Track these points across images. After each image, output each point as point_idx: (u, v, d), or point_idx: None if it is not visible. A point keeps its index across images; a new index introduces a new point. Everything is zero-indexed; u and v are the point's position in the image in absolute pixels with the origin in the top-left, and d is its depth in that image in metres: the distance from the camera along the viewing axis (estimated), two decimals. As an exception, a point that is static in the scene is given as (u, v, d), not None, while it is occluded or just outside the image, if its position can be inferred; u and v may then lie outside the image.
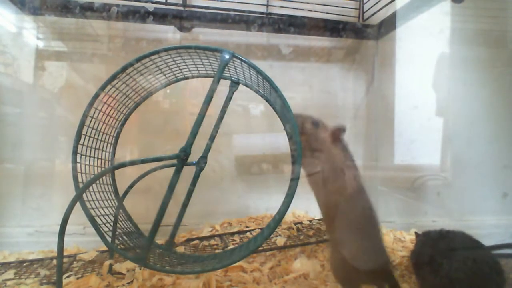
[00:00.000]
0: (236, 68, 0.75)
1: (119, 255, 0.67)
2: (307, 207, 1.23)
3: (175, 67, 0.79)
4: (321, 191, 0.73)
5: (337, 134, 0.73)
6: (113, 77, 0.71)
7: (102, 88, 0.72)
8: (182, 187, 1.19)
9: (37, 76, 1.14)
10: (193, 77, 0.85)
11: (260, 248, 0.87)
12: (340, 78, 1.33)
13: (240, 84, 0.81)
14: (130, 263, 0.82)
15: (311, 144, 0.73)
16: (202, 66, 0.80)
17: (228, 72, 0.79)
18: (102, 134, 0.79)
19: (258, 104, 1.23)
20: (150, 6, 1.08)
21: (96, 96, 0.72)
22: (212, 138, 0.77)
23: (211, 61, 0.76)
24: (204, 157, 0.74)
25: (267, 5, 1.20)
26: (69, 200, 0.65)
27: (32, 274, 0.83)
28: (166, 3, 1.11)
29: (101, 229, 0.68)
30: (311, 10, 1.18)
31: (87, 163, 0.75)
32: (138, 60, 0.69)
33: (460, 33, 1.21)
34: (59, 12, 1.05)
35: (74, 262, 0.91)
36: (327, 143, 0.73)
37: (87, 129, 0.73)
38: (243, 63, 0.67)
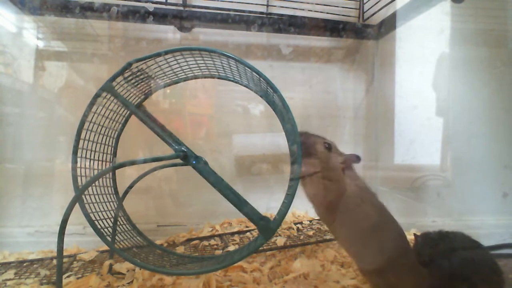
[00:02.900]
0: (237, 68, 0.75)
1: (119, 255, 0.67)
2: (307, 207, 1.23)
3: (175, 69, 0.79)
4: (326, 219, 0.70)
5: (350, 162, 0.68)
6: (114, 77, 0.70)
7: (103, 88, 0.72)
8: (182, 188, 1.20)
9: (37, 76, 1.14)
10: (195, 77, 0.84)
11: (260, 248, 0.87)
12: (340, 78, 1.33)
13: (240, 84, 0.81)
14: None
15: (320, 167, 0.67)
16: (205, 66, 0.80)
17: (230, 73, 0.79)
18: (103, 134, 0.79)
19: (258, 104, 1.23)
20: (150, 6, 1.08)
21: (96, 96, 0.72)
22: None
23: (215, 61, 0.76)
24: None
25: (267, 5, 1.20)
26: (69, 200, 0.65)
27: (32, 274, 0.83)
28: (166, 3, 1.11)
29: (100, 229, 0.68)
30: (311, 10, 1.19)
31: (87, 163, 0.75)
32: (138, 61, 0.69)
33: (460, 33, 1.21)
34: (59, 12, 1.06)
35: (74, 262, 0.91)
36: (338, 171, 0.67)
37: (88, 129, 0.73)
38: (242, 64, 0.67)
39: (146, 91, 0.83)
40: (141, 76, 0.75)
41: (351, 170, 0.69)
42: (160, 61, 0.73)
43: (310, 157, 0.67)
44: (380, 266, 0.66)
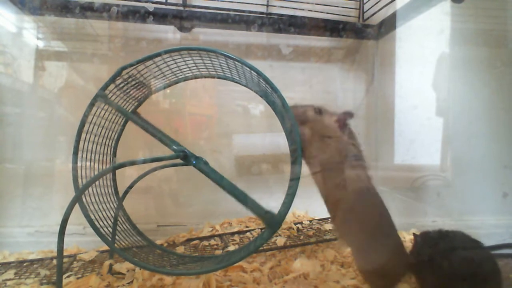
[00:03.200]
0: (235, 68, 0.75)
1: (119, 255, 0.67)
2: (307, 207, 1.23)
3: (175, 69, 0.79)
4: (328, 182, 0.69)
5: (344, 119, 0.69)
6: (106, 86, 0.70)
7: (103, 88, 0.72)
8: (182, 188, 1.20)
9: (37, 76, 1.14)
10: (195, 77, 0.84)
11: (260, 248, 0.87)
12: (340, 78, 1.33)
13: (240, 84, 0.81)
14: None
15: (316, 131, 0.69)
16: (204, 66, 0.80)
17: (229, 73, 0.79)
18: (103, 134, 0.79)
19: (258, 104, 1.23)
20: (150, 6, 1.08)
21: (97, 96, 0.72)
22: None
23: (213, 61, 0.76)
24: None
25: (267, 5, 1.20)
26: (69, 200, 0.65)
27: (32, 274, 0.83)
28: (166, 3, 1.11)
29: (99, 229, 0.68)
30: (311, 10, 1.19)
31: (87, 163, 0.75)
32: (139, 61, 0.69)
33: (460, 33, 1.21)
34: (59, 12, 1.06)
35: (74, 262, 0.91)
36: (334, 129, 0.68)
37: (88, 129, 0.73)
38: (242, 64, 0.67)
39: (140, 97, 0.83)
40: (133, 82, 0.75)
41: (348, 128, 0.70)
42: (159, 61, 0.73)
43: (304, 124, 0.68)
44: (364, 237, 0.68)
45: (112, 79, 0.69)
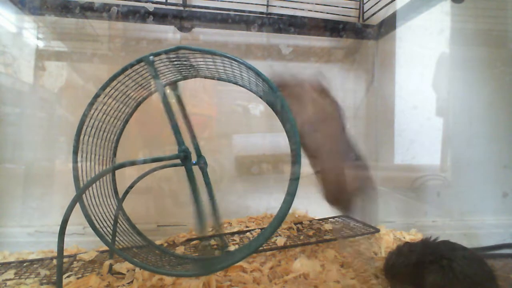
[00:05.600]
0: (239, 69, 0.75)
1: (119, 255, 0.67)
2: (307, 207, 1.23)
3: (176, 68, 0.79)
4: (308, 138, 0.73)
5: (318, 82, 0.75)
6: (114, 77, 0.70)
7: (103, 88, 0.72)
8: (182, 188, 1.20)
9: (37, 76, 1.14)
10: (194, 77, 0.84)
11: (260, 248, 0.87)
12: (340, 78, 1.33)
13: (239, 86, 0.81)
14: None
15: (293, 96, 0.74)
16: (204, 67, 0.80)
17: (232, 74, 0.79)
18: (103, 134, 0.79)
19: (258, 104, 1.23)
20: (150, 6, 1.08)
21: (96, 96, 0.72)
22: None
23: (216, 62, 0.76)
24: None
25: (267, 5, 1.20)
26: (69, 200, 0.65)
27: (32, 274, 0.83)
28: (166, 3, 1.11)
29: (99, 229, 0.68)
30: (311, 10, 1.19)
31: (88, 163, 0.75)
32: (186, 49, 0.69)
33: (460, 33, 1.21)
34: (59, 12, 1.06)
35: (74, 262, 0.91)
36: (310, 92, 0.75)
37: (88, 129, 0.73)
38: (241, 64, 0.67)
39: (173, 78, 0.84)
40: (185, 62, 0.76)
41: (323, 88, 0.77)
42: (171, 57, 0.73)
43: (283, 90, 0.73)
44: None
45: (167, 51, 0.68)
